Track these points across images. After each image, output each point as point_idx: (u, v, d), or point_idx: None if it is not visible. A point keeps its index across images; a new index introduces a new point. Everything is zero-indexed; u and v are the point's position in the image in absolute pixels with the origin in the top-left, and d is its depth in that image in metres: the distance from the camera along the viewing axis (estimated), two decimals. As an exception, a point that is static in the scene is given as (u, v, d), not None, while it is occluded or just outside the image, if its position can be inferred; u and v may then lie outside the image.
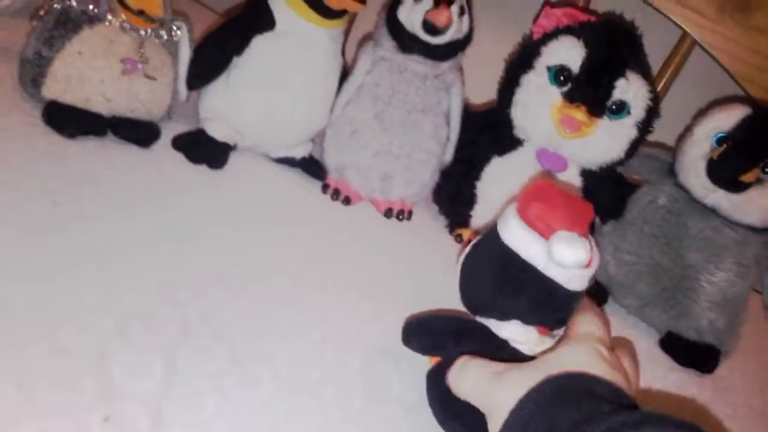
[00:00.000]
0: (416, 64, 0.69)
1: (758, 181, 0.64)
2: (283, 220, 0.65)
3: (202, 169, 0.66)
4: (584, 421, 0.32)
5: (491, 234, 0.46)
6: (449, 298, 0.64)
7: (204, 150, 0.67)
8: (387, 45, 0.69)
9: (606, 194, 0.72)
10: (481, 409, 0.39)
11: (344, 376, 0.49)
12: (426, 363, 0.51)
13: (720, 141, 0.66)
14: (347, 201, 0.72)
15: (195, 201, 0.61)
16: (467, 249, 0.48)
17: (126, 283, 0.47)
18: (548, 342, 0.45)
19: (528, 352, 0.45)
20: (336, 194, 0.72)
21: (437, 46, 0.68)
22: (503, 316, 0.46)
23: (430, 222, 0.77)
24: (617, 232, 0.72)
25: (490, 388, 0.39)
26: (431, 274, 0.67)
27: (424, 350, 0.50)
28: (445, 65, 0.70)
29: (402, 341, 0.50)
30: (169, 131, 0.67)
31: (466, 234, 0.74)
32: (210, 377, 0.43)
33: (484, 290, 0.46)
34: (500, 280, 0.45)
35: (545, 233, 0.43)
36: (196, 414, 0.40)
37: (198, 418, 0.40)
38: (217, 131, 0.68)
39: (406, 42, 0.68)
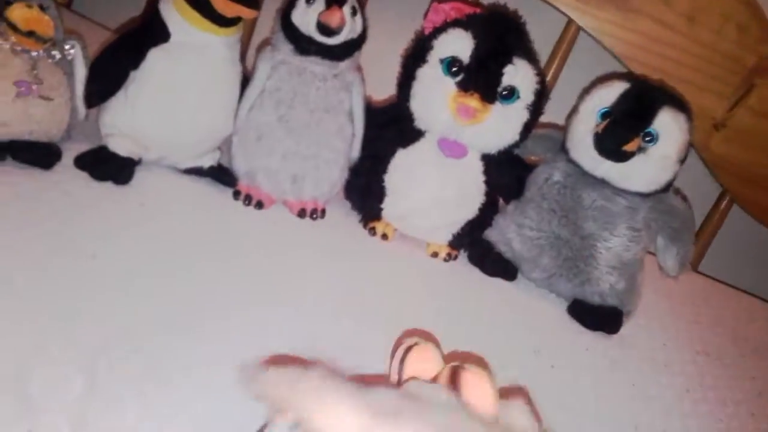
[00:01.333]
0: (314, 65, 0.71)
1: (640, 149, 0.69)
2: (196, 229, 0.65)
3: (108, 186, 0.66)
4: None
5: None
6: (369, 287, 0.66)
7: (108, 167, 0.66)
8: (284, 48, 0.71)
9: (506, 176, 0.77)
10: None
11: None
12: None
13: (603, 116, 0.71)
14: (260, 205, 0.73)
15: (103, 218, 0.61)
16: None
17: (39, 303, 0.47)
18: None
19: None
20: (248, 200, 0.73)
21: (333, 47, 0.70)
22: None
23: (343, 218, 0.79)
24: (518, 210, 0.76)
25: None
26: (349, 267, 0.70)
27: None
28: (343, 65, 0.72)
29: None
30: (70, 151, 0.66)
31: (379, 227, 0.76)
32: (131, 384, 0.44)
33: None
34: None
35: None
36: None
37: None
38: (119, 147, 0.67)
39: (302, 44, 0.70)
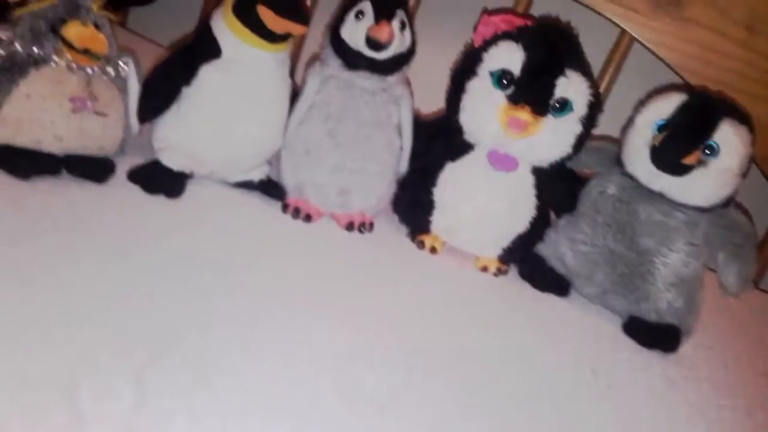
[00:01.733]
0: (363, 79, 0.71)
1: (700, 163, 0.67)
2: (245, 242, 0.66)
3: (161, 200, 0.67)
4: None
5: None
6: (418, 301, 0.66)
7: (160, 181, 0.67)
8: (333, 63, 0.71)
9: (558, 189, 0.75)
10: None
11: (316, 385, 0.49)
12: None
13: (660, 128, 0.68)
14: (308, 218, 0.73)
15: (156, 232, 0.62)
16: None
17: (90, 315, 0.47)
18: None
19: None
20: (296, 213, 0.73)
21: (382, 61, 0.70)
22: None
23: (391, 231, 0.78)
24: (571, 224, 0.74)
25: None
26: (399, 281, 0.69)
27: None
28: (392, 79, 0.72)
29: None
30: (124, 165, 0.68)
31: (428, 240, 0.76)
32: (180, 396, 0.43)
33: None
34: None
35: None
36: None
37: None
38: (172, 161, 0.68)
39: (351, 59, 0.70)
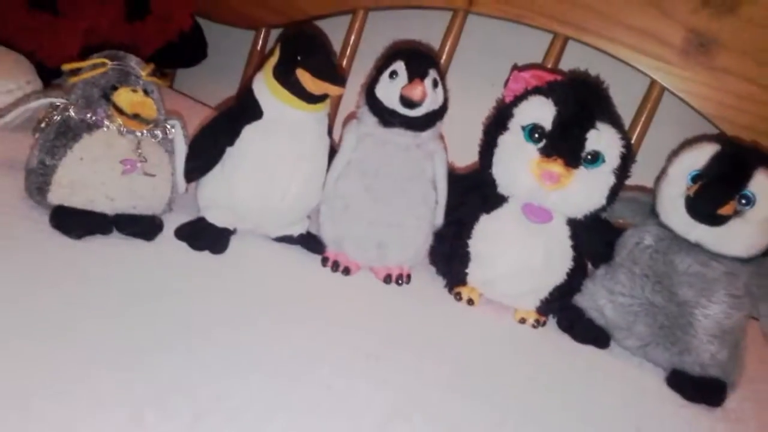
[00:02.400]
0: (398, 136, 0.73)
1: (736, 213, 0.66)
2: (287, 295, 0.67)
3: (206, 256, 0.69)
4: None
5: None
6: (458, 354, 0.66)
7: (205, 237, 0.70)
8: (369, 121, 0.74)
9: (594, 240, 0.75)
10: None
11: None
12: None
13: (695, 179, 0.68)
14: (347, 271, 0.74)
15: (202, 287, 0.64)
16: None
17: (139, 375, 0.49)
18: None
19: None
20: (336, 266, 0.74)
21: (416, 118, 0.72)
22: None
23: (429, 284, 0.79)
24: (609, 275, 0.74)
25: None
26: (437, 333, 0.69)
27: None
28: (425, 135, 0.74)
29: None
30: (171, 223, 0.70)
31: (465, 292, 0.76)
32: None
33: None
34: None
35: None
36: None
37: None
38: (216, 218, 0.71)
39: (386, 117, 0.72)
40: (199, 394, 0.49)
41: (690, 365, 0.70)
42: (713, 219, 0.66)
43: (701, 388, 0.70)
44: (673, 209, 0.69)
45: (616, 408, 0.66)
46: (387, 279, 0.75)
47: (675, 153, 0.73)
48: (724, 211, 0.66)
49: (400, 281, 0.76)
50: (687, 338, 0.69)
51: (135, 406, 0.46)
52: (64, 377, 0.46)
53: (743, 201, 0.66)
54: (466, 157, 0.84)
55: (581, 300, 0.76)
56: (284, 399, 0.52)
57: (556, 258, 0.74)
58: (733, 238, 0.67)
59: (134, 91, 0.65)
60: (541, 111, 0.70)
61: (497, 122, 0.73)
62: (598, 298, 0.74)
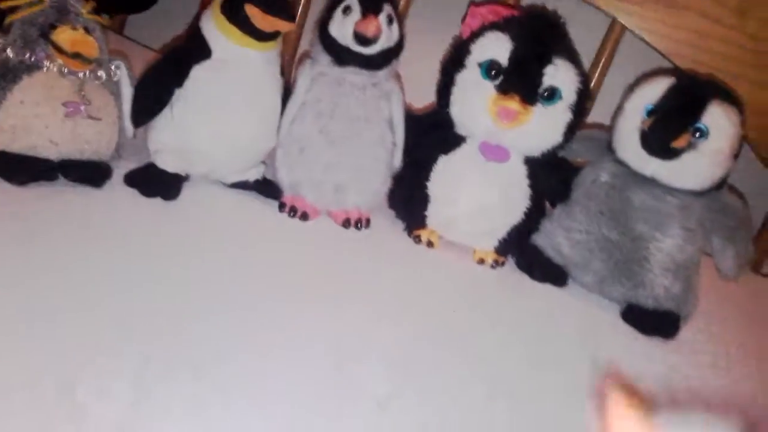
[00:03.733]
0: (353, 75, 0.71)
1: (690, 146, 0.67)
2: (243, 242, 0.66)
3: (157, 203, 0.67)
4: None
5: None
6: (417, 296, 0.66)
7: (156, 183, 0.68)
8: (323, 60, 0.72)
9: (551, 179, 0.75)
10: None
11: (314, 378, 0.49)
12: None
13: (650, 113, 0.68)
14: (305, 216, 0.73)
15: (153, 234, 0.62)
16: None
17: (86, 316, 0.48)
18: None
19: None
20: (293, 211, 0.73)
21: (371, 56, 0.70)
22: None
23: (388, 227, 0.79)
24: (566, 213, 0.74)
25: None
26: (397, 275, 0.69)
27: None
28: (382, 74, 0.72)
29: None
30: (120, 169, 0.68)
31: (424, 234, 0.76)
32: (178, 396, 0.44)
33: None
34: None
35: None
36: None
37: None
38: (167, 163, 0.69)
39: (340, 55, 0.70)
40: (150, 337, 0.48)
41: (644, 299, 0.71)
42: (667, 152, 0.67)
43: (656, 321, 0.71)
44: (629, 144, 0.70)
45: (573, 342, 0.66)
46: (346, 223, 0.75)
47: (631, 88, 0.73)
48: (678, 143, 0.66)
49: (359, 225, 0.75)
50: (642, 272, 0.70)
51: (84, 348, 0.45)
52: (11, 320, 0.45)
53: (697, 133, 0.66)
54: (423, 97, 0.83)
55: (539, 239, 0.77)
56: (237, 339, 0.51)
57: (513, 197, 0.74)
58: (687, 171, 0.68)
59: (74, 29, 0.62)
60: (497, 47, 0.69)
61: (454, 59, 0.72)
62: (555, 237, 0.75)
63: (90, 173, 0.65)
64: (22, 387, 0.40)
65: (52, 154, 0.63)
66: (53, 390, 0.41)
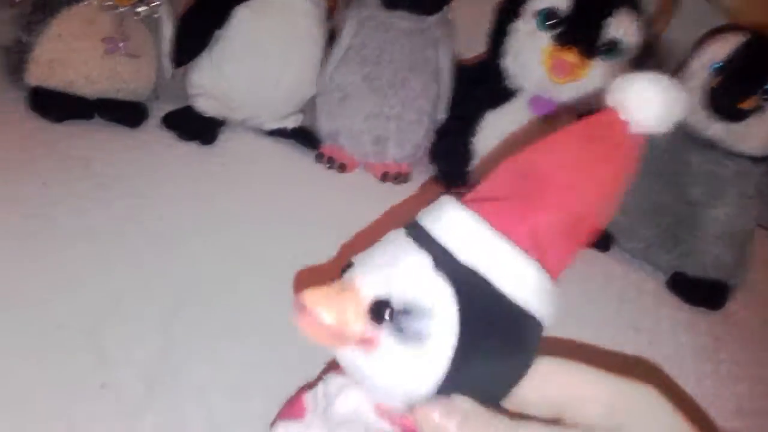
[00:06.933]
0: (401, 20, 0.68)
1: (757, 108, 0.63)
2: (278, 192, 0.65)
3: (194, 146, 0.66)
4: None
5: None
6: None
7: (194, 126, 0.66)
8: (371, 3, 0.68)
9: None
10: None
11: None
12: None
13: (717, 71, 0.64)
14: (342, 168, 0.71)
15: (188, 178, 0.61)
16: None
17: (119, 260, 0.47)
18: None
19: None
20: (331, 162, 0.71)
21: (421, 0, 0.67)
22: None
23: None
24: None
25: None
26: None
27: None
28: (432, 19, 0.69)
29: None
30: (158, 111, 0.67)
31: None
32: (204, 343, 0.43)
33: None
34: None
35: None
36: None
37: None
38: (206, 107, 0.67)
39: (389, -3, 0.67)
40: (180, 286, 0.47)
41: (692, 267, 0.69)
42: (734, 113, 0.63)
43: (703, 291, 0.68)
44: (691, 103, 0.66)
45: (613, 309, 0.64)
46: (384, 177, 0.72)
47: (698, 44, 0.69)
48: (746, 104, 0.62)
49: (398, 179, 0.73)
50: (691, 239, 0.68)
51: (115, 291, 0.44)
52: (41, 259, 0.45)
53: (766, 96, 0.63)
54: (475, 47, 0.79)
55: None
56: (270, 294, 0.49)
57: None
58: (751, 135, 0.64)
59: (115, -39, 0.60)
60: (556, -5, 0.65)
61: (509, 7, 0.68)
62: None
63: (126, 113, 0.64)
64: (50, 333, 0.40)
65: (89, 91, 0.61)
66: (82, 336, 0.40)
